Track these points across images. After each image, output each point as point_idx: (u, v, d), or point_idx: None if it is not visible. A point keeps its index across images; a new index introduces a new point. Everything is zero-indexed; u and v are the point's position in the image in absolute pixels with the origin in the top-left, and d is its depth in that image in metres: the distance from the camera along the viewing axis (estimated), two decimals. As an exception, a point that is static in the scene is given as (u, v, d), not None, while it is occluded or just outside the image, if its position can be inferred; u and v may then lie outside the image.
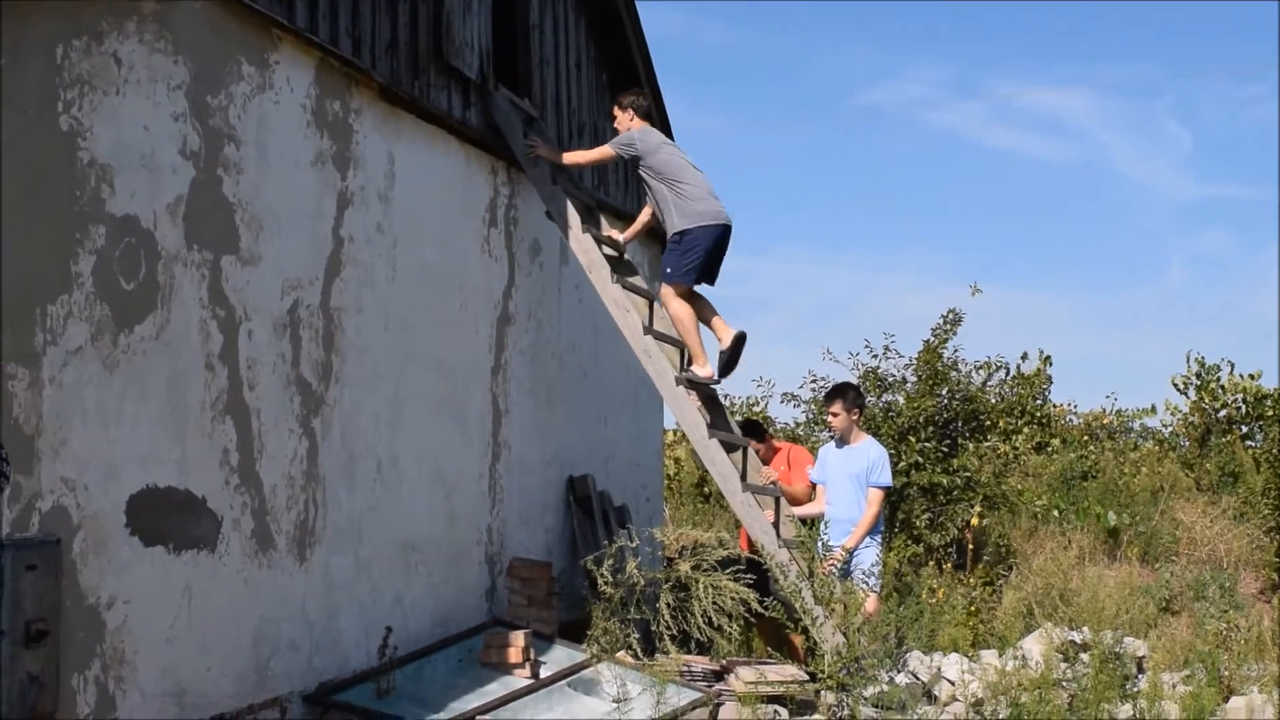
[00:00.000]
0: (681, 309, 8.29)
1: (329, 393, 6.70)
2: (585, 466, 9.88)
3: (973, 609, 8.37)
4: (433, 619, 7.66)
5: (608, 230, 8.94)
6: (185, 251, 5.64)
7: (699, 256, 8.23)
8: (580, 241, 8.48)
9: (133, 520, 5.31)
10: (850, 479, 8.45)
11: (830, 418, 8.62)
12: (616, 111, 8.71)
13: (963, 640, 7.62)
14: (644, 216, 8.87)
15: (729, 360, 8.38)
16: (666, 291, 8.34)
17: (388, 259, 7.28)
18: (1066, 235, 46.13)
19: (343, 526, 6.81)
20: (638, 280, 8.77)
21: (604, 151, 8.65)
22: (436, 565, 7.76)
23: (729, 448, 8.25)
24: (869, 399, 13.03)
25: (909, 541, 11.98)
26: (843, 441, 8.58)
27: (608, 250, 8.65)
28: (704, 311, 8.43)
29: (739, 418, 12.07)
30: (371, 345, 7.10)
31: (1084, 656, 7.32)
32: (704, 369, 8.33)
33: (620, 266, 8.75)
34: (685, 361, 8.45)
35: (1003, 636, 8.27)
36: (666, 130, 10.65)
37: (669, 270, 8.32)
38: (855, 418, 8.58)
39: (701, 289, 8.48)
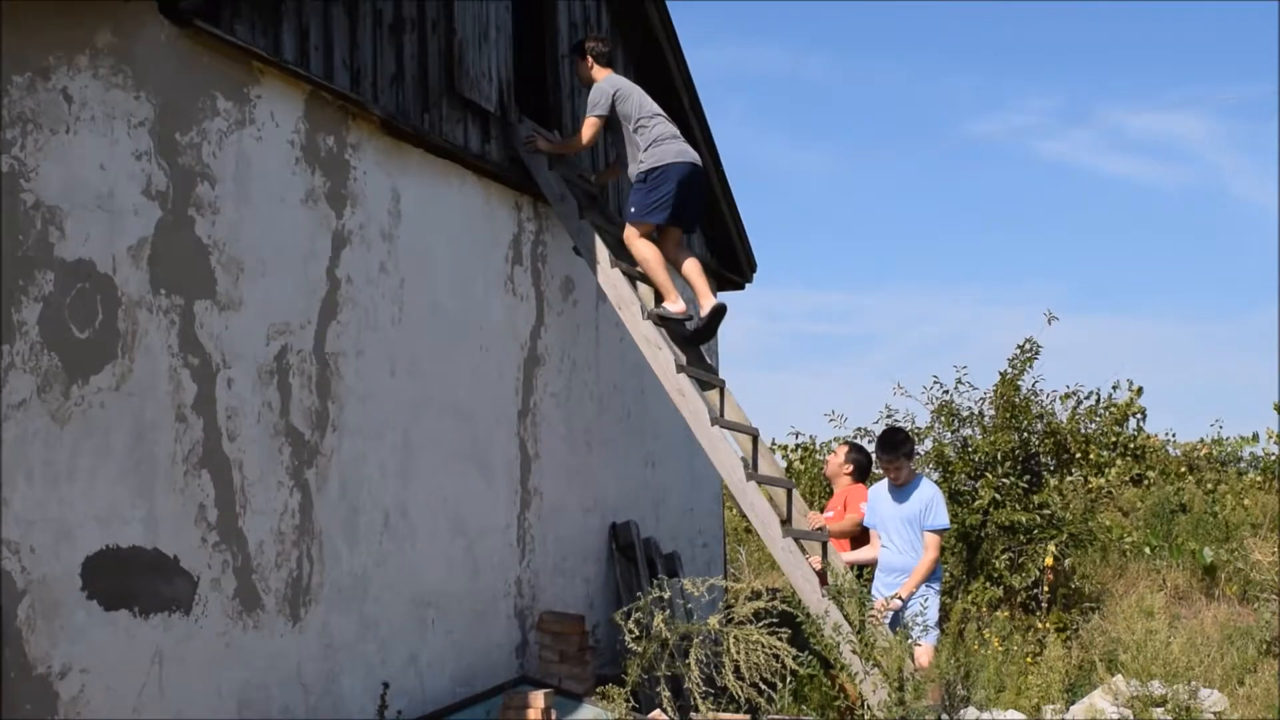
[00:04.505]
0: (646, 249, 8.11)
1: (325, 442, 6.35)
2: (631, 513, 9.44)
3: (1028, 659, 7.76)
4: (453, 678, 7.25)
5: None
6: (150, 297, 5.34)
7: (667, 194, 8.09)
8: (609, 276, 8.07)
9: (90, 583, 4.99)
10: (904, 522, 7.90)
11: (894, 473, 8.02)
12: (579, 60, 8.54)
13: (1025, 695, 7.03)
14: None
15: (704, 330, 8.24)
16: (630, 232, 8.17)
17: (393, 300, 6.94)
18: (1184, 261, 44.77)
19: (344, 583, 6.44)
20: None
21: (590, 126, 8.29)
22: (458, 621, 7.36)
23: (770, 489, 7.77)
24: (945, 435, 12.46)
25: (988, 584, 11.33)
26: (893, 482, 8.02)
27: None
28: (688, 268, 8.35)
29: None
30: (375, 391, 6.74)
31: (1157, 712, 6.67)
32: (675, 304, 8.13)
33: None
34: (656, 300, 8.25)
35: (1072, 688, 7.63)
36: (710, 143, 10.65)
37: (633, 210, 8.18)
38: (911, 464, 8.05)
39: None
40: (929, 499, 7.91)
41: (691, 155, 8.19)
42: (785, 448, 18.75)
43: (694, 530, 10.70)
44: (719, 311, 8.20)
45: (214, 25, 5.68)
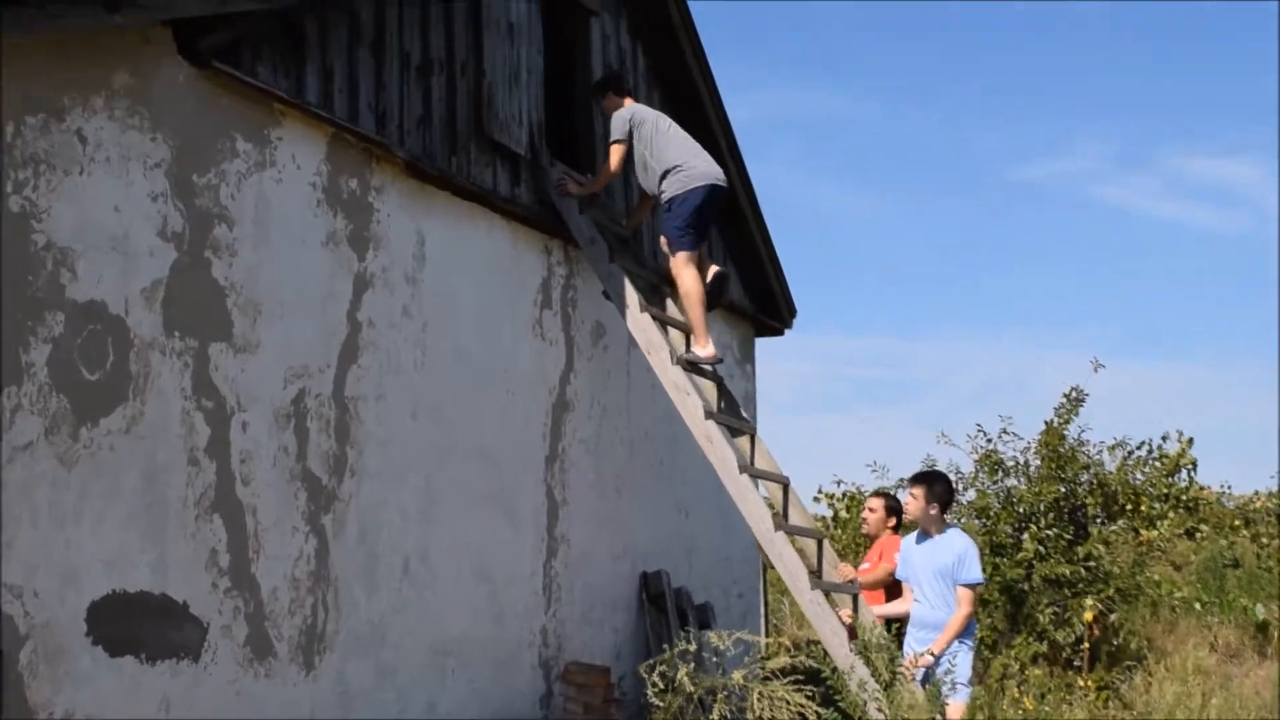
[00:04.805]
0: (690, 282, 8.14)
1: (343, 487, 6.27)
2: (663, 561, 9.29)
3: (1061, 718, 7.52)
4: (474, 728, 7.12)
5: (673, 310, 8.41)
6: (164, 339, 5.30)
7: (689, 221, 8.10)
8: (638, 321, 7.97)
9: (95, 628, 4.93)
10: (936, 576, 7.66)
11: (908, 499, 7.83)
12: (603, 96, 8.55)
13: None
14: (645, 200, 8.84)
15: (708, 296, 8.27)
16: (673, 261, 8.23)
17: (416, 344, 6.87)
18: (1240, 306, 44.14)
19: (361, 630, 6.34)
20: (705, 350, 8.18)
21: (614, 154, 8.28)
22: (480, 669, 7.24)
23: (800, 539, 7.61)
24: (988, 485, 12.22)
25: (1032, 639, 11.05)
26: (924, 534, 7.82)
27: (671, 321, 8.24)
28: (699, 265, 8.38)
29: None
30: (397, 436, 6.67)
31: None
32: (705, 349, 8.14)
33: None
34: (687, 341, 8.25)
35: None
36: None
37: (668, 241, 8.24)
38: (934, 511, 7.78)
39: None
40: (961, 551, 7.66)
41: (711, 176, 8.17)
42: (831, 496, 18.51)
43: (729, 580, 10.52)
44: (721, 278, 8.37)
45: (234, 67, 5.66)
